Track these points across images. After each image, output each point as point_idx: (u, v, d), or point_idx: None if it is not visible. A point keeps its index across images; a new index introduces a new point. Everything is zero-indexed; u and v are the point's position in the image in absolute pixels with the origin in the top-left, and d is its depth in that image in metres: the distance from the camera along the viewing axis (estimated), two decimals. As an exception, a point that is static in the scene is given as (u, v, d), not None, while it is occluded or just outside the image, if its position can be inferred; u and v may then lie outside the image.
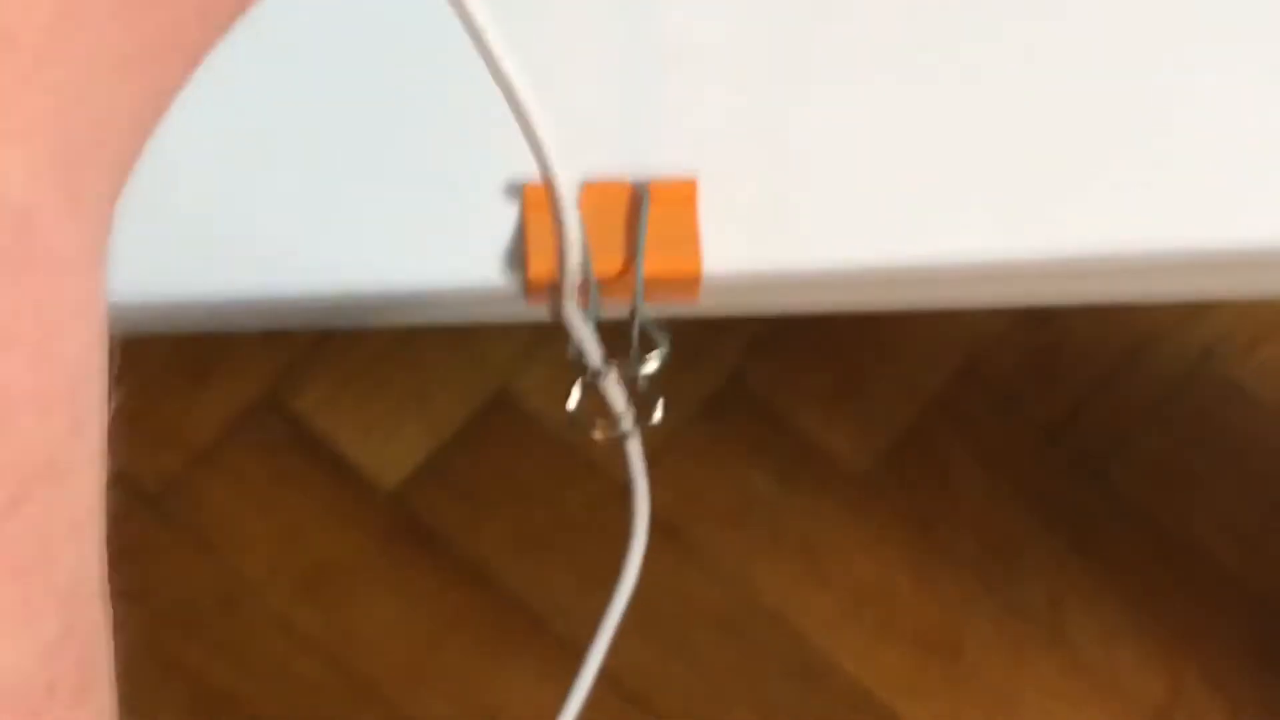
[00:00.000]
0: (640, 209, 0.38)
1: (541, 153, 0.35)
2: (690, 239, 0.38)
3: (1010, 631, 1.04)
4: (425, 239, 0.38)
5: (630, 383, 0.38)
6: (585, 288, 0.37)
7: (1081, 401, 1.07)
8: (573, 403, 0.37)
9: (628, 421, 0.39)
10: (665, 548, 1.04)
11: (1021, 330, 1.08)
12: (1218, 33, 0.40)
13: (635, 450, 0.39)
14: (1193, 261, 0.39)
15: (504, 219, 0.39)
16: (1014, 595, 1.04)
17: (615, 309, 0.38)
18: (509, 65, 0.36)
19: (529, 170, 0.38)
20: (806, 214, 0.38)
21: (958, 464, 1.06)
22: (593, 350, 0.37)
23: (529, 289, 0.38)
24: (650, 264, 0.38)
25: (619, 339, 0.38)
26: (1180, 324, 1.08)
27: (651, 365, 0.37)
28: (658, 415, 0.40)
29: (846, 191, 0.39)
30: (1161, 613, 1.04)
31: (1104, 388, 1.08)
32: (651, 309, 0.38)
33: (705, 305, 0.40)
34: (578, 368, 0.37)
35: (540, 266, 0.37)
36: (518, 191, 0.38)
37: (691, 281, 0.38)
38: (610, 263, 0.38)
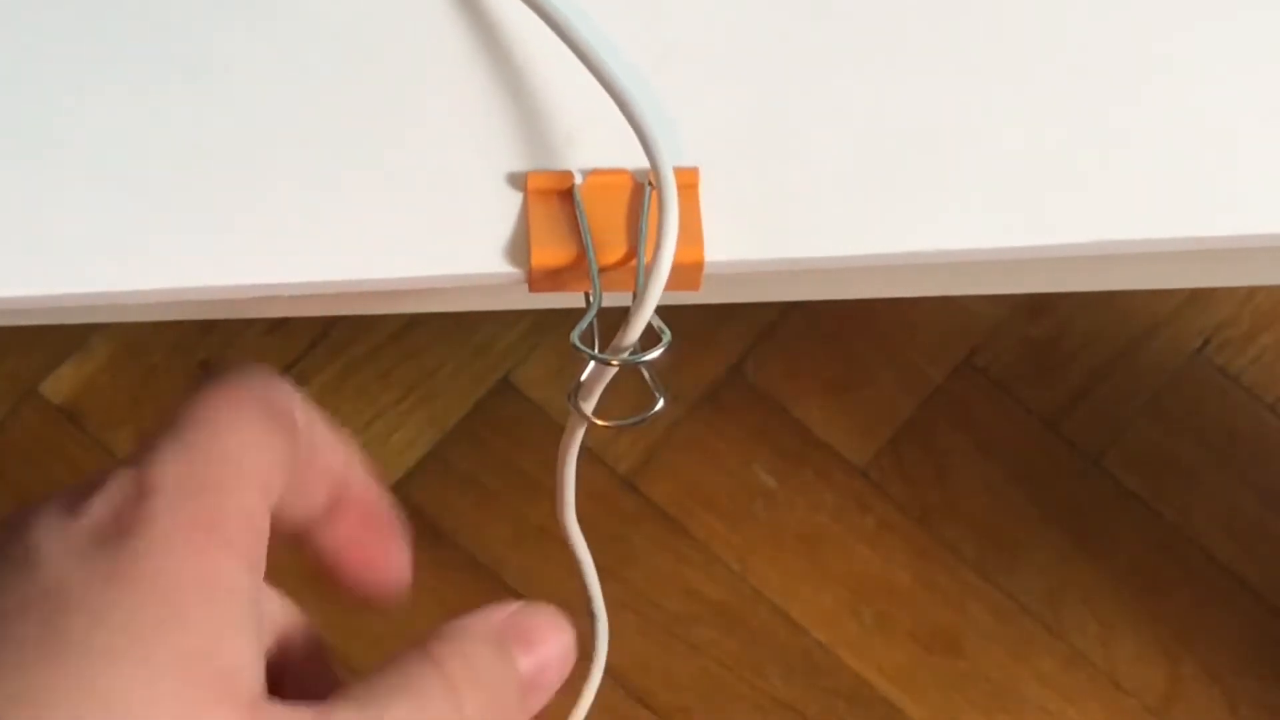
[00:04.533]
0: (642, 198, 0.38)
1: (650, 142, 0.35)
2: (693, 228, 0.38)
3: (1009, 624, 1.04)
4: (428, 228, 0.39)
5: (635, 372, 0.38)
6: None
7: (1081, 392, 1.08)
8: (574, 385, 0.38)
9: (655, 405, 0.39)
10: (665, 540, 1.04)
11: (1021, 322, 1.08)
12: (1216, 20, 0.40)
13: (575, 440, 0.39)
14: (1191, 250, 0.40)
15: (505, 207, 0.39)
16: (1013, 587, 1.04)
17: (616, 299, 0.38)
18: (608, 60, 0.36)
19: (528, 159, 0.39)
20: (809, 203, 0.39)
21: (957, 456, 1.06)
22: (633, 336, 0.37)
23: (532, 277, 0.38)
24: (652, 252, 0.38)
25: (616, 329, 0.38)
26: (1179, 314, 1.09)
27: (656, 354, 0.37)
28: (659, 405, 0.40)
29: (848, 180, 0.39)
30: (1160, 605, 1.04)
31: (1103, 378, 1.08)
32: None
33: (707, 294, 0.40)
34: (586, 353, 0.37)
35: (544, 254, 0.38)
36: (519, 179, 0.39)
37: (694, 270, 0.38)
38: (612, 252, 0.38)
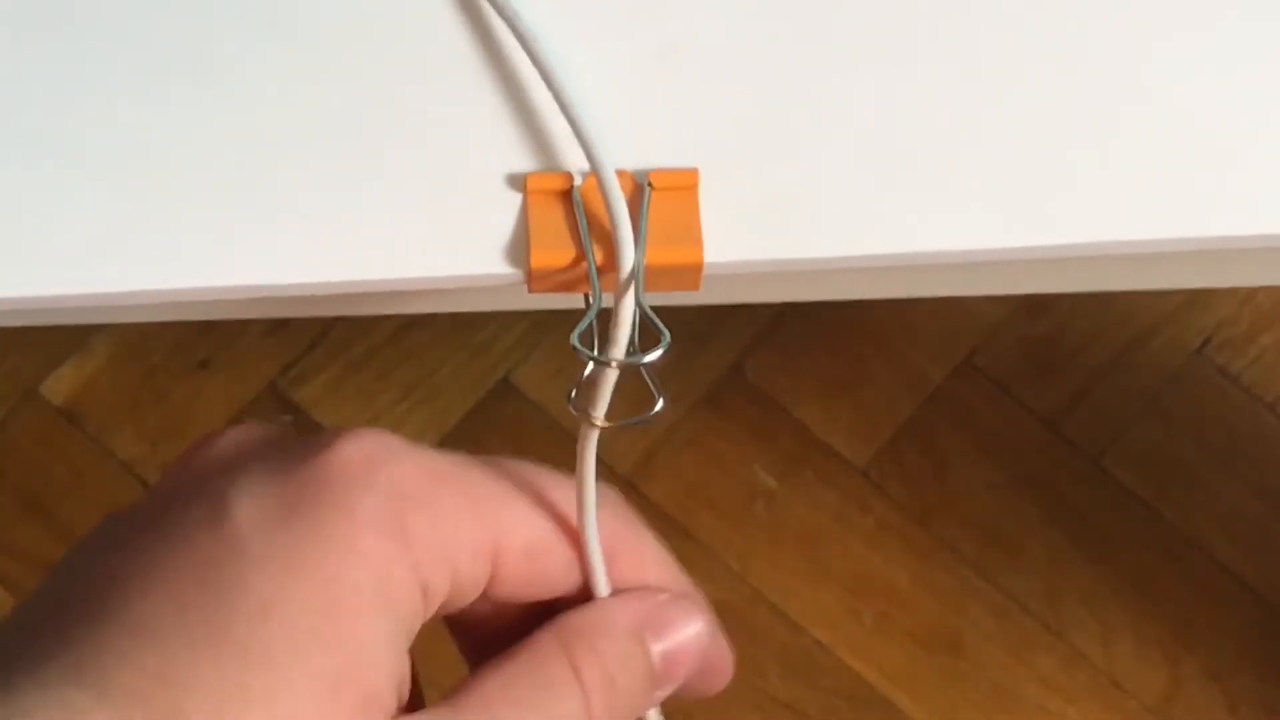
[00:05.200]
0: (641, 198, 0.38)
1: (590, 146, 0.35)
2: (692, 228, 0.38)
3: (1009, 624, 1.04)
4: (427, 229, 0.39)
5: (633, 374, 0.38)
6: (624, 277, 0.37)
7: (1081, 392, 1.08)
8: (576, 389, 0.38)
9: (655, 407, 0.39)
10: (665, 540, 1.04)
11: (1020, 322, 1.08)
12: (1217, 20, 0.40)
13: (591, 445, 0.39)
14: (1191, 250, 0.40)
15: (505, 207, 0.39)
16: (1013, 587, 1.04)
17: (611, 299, 0.38)
18: (554, 60, 0.36)
19: (528, 158, 0.39)
20: (809, 203, 0.39)
21: (957, 456, 1.06)
22: (623, 339, 0.37)
23: (532, 277, 0.38)
24: (652, 252, 0.38)
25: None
26: (1179, 314, 1.09)
27: (655, 356, 0.37)
28: (659, 406, 0.40)
29: (848, 180, 0.39)
30: (1161, 606, 1.04)
31: (1103, 378, 1.08)
32: (651, 298, 0.38)
33: (707, 294, 0.40)
34: (585, 354, 0.37)
35: (543, 255, 0.38)
36: (518, 180, 0.39)
37: (693, 270, 0.38)
38: (611, 252, 0.38)
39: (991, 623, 1.04)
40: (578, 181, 0.38)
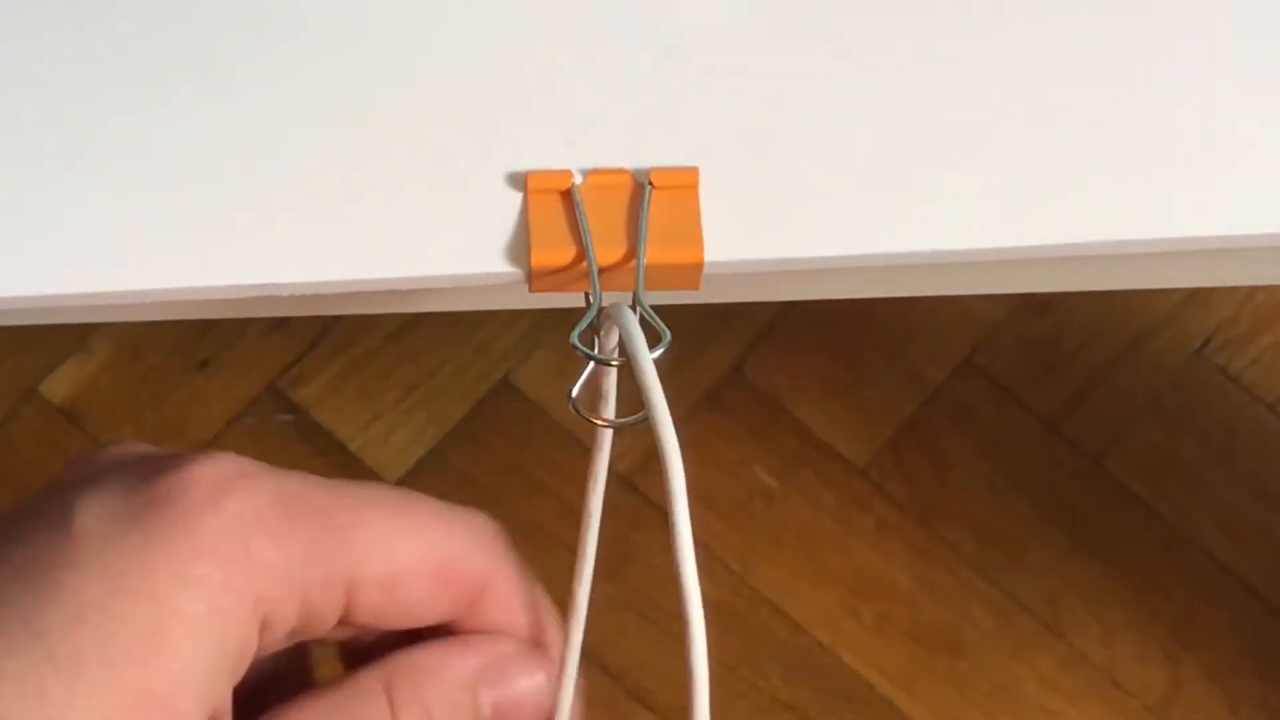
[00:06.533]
0: (641, 197, 0.38)
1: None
2: (692, 227, 0.38)
3: (1009, 624, 1.04)
4: (427, 228, 0.39)
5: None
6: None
7: (1081, 392, 1.08)
8: (577, 388, 0.38)
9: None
10: (665, 540, 1.04)
11: (1021, 321, 1.08)
12: (1217, 19, 0.40)
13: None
14: (1191, 250, 0.40)
15: (505, 207, 0.39)
16: (1013, 587, 1.04)
17: (616, 299, 0.38)
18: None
19: (528, 159, 0.39)
20: (809, 203, 0.39)
21: (957, 456, 1.06)
22: (639, 339, 0.37)
23: (532, 277, 0.38)
24: (652, 252, 0.38)
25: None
26: (1179, 314, 1.09)
27: (656, 355, 0.37)
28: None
29: (848, 180, 0.39)
30: (1161, 606, 1.04)
31: (1103, 378, 1.08)
32: (651, 297, 0.38)
33: (707, 294, 0.40)
34: (585, 354, 0.37)
35: (544, 254, 0.38)
36: (518, 179, 0.39)
37: (694, 270, 0.38)
38: (611, 251, 0.38)
39: (991, 623, 1.04)
40: (578, 180, 0.39)
